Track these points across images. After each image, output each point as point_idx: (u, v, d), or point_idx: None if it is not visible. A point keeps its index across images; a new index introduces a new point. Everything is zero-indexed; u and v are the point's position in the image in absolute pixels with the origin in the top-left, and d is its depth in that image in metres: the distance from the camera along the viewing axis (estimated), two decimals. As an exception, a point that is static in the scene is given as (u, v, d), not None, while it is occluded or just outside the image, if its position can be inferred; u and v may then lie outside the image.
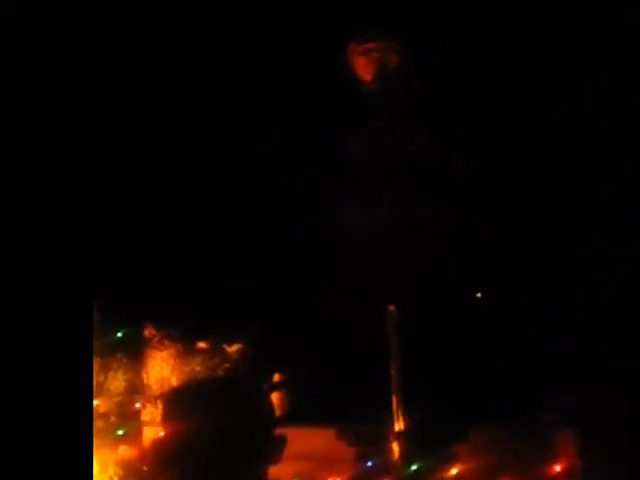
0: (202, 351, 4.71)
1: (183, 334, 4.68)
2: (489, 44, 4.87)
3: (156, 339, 4.68)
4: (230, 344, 4.74)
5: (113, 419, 4.42)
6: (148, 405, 4.54)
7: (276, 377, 4.76)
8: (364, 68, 4.87)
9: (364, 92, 4.86)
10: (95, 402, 4.36)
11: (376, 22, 4.82)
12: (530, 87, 4.87)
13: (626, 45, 4.76)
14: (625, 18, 4.72)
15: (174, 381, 4.58)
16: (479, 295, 4.89)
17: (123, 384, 4.57)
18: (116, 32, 4.60)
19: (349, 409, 4.48)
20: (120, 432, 4.37)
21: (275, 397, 4.50)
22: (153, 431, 4.31)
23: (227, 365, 4.70)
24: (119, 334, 4.55)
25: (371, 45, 4.85)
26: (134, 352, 4.63)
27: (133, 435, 4.40)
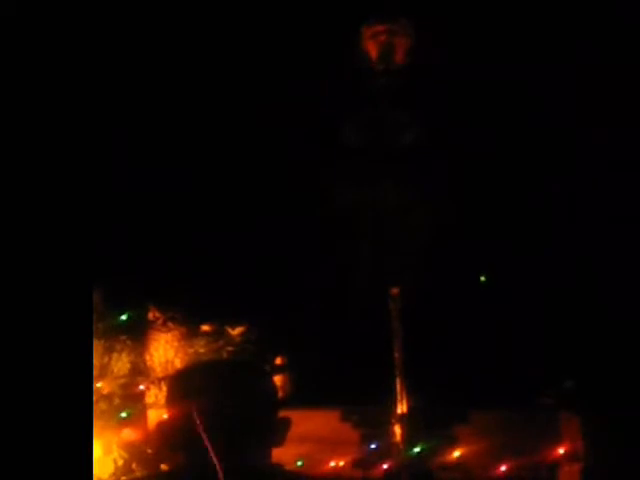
0: (206, 333, 4.72)
1: (187, 316, 4.69)
2: (490, 43, 4.87)
3: (160, 321, 4.69)
4: (233, 327, 4.75)
5: (117, 401, 4.43)
6: (152, 387, 4.55)
7: (279, 359, 4.77)
8: (372, 51, 4.91)
9: (371, 76, 4.88)
10: (99, 384, 4.37)
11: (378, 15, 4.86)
12: (530, 87, 4.87)
13: (626, 45, 4.76)
14: (625, 18, 4.72)
15: (178, 363, 4.59)
16: (483, 279, 4.90)
17: (127, 366, 4.58)
18: (116, 31, 4.61)
19: (353, 391, 4.49)
20: (124, 414, 4.38)
21: (278, 379, 4.51)
22: (157, 413, 4.32)
23: (230, 348, 4.70)
24: (123, 316, 4.56)
25: (379, 28, 4.88)
26: (138, 334, 4.64)
27: (137, 417, 4.41)
